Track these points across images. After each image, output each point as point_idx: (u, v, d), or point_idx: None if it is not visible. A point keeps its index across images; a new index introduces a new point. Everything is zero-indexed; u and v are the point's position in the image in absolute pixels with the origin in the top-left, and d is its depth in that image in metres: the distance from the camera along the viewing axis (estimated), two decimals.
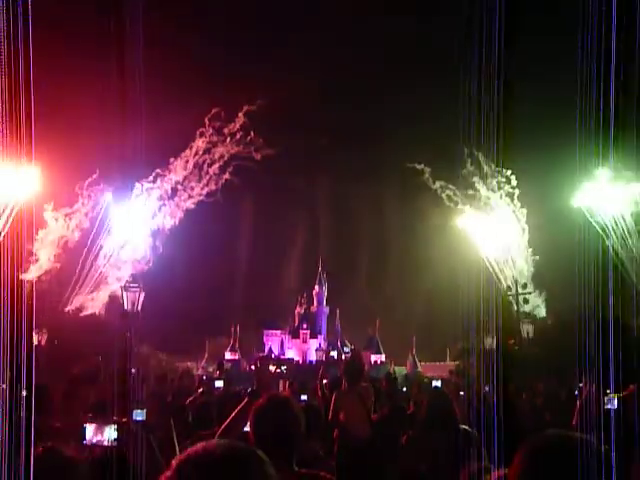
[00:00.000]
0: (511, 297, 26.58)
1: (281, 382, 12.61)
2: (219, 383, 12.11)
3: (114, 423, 3.39)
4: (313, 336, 64.75)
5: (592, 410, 5.78)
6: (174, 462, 1.38)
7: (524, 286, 27.63)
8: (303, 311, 66.68)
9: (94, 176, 24.73)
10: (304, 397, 8.39)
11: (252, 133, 26.61)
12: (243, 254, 57.73)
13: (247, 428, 3.02)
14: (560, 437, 1.71)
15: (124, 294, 17.45)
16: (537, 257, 31.05)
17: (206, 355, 56.13)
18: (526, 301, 27.66)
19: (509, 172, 29.53)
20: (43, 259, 23.65)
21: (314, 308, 67.00)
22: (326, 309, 67.08)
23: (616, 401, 6.19)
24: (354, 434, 6.46)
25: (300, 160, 52.42)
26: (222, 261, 55.15)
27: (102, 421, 3.32)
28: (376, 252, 59.67)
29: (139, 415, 4.63)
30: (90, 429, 3.36)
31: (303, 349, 64.61)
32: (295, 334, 65.26)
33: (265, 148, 26.99)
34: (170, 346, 44.66)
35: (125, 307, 17.40)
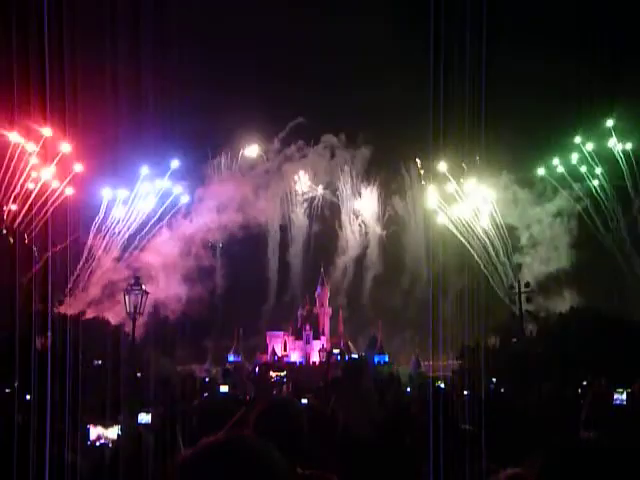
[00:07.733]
0: (514, 296, 26.58)
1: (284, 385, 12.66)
2: (224, 388, 12.14)
3: (118, 425, 3.40)
4: (316, 337, 64.66)
5: (601, 405, 5.77)
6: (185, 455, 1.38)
7: (527, 285, 27.60)
8: (306, 312, 66.57)
9: None
10: (304, 400, 8.40)
11: None
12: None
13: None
14: (585, 450, 1.65)
15: (126, 297, 17.32)
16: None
17: (209, 358, 56.06)
18: (529, 300, 27.63)
19: None
20: None
21: (316, 309, 66.87)
22: (329, 310, 66.92)
23: (625, 396, 6.16)
24: (356, 435, 6.45)
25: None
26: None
27: (106, 423, 3.33)
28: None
29: (144, 418, 4.65)
30: (94, 431, 3.38)
31: (306, 350, 64.51)
32: (298, 335, 65.16)
33: None
34: (173, 349, 44.52)
35: (127, 310, 17.28)
